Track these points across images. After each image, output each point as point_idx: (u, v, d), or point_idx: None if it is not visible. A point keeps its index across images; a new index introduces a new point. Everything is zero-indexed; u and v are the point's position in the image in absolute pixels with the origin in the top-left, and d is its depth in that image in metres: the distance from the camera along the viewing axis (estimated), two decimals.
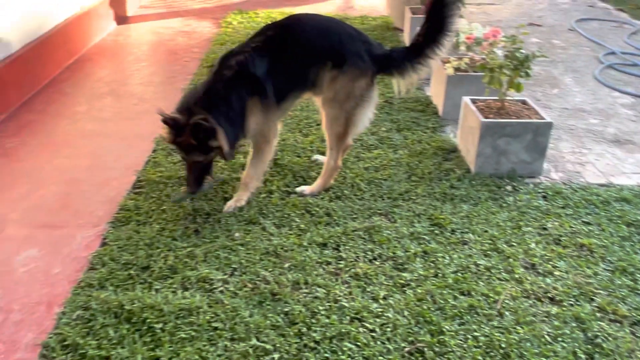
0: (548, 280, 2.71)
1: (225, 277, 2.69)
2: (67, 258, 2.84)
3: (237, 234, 3.00)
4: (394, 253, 2.87)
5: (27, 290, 2.63)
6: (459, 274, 2.73)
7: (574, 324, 2.45)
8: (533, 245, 2.96)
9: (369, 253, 2.88)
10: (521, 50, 3.52)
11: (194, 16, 7.50)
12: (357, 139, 3.96)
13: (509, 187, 3.49)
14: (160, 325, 2.37)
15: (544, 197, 3.42)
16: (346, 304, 2.52)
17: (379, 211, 3.23)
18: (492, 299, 2.57)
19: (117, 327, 2.37)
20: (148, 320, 2.39)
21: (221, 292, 2.59)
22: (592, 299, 2.60)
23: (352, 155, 3.83)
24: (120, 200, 3.28)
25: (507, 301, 2.57)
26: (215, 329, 2.38)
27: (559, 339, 2.37)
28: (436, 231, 3.05)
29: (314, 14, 3.66)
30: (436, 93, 4.69)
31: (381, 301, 2.55)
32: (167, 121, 2.93)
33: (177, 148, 3.06)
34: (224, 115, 2.97)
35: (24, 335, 2.37)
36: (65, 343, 2.31)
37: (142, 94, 4.96)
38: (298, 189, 3.41)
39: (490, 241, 2.98)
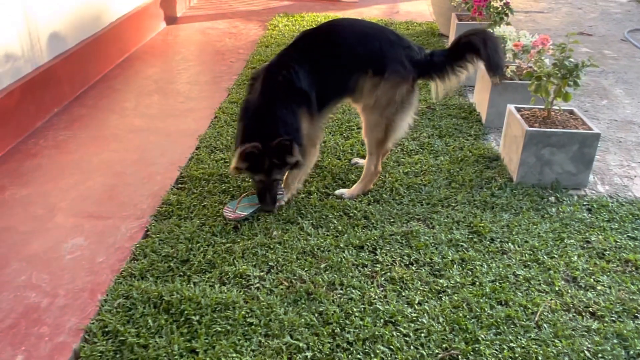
0: (590, 295, 2.64)
1: (262, 274, 2.73)
2: (111, 248, 2.93)
3: (275, 233, 3.04)
4: (430, 259, 2.85)
5: (72, 277, 2.72)
6: (497, 284, 2.69)
7: (615, 341, 2.38)
8: (575, 258, 2.88)
9: (406, 258, 2.87)
10: (570, 59, 3.44)
11: (241, 18, 7.63)
12: (398, 143, 3.96)
13: (552, 198, 3.42)
14: (197, 318, 2.43)
15: (589, 209, 3.33)
16: (381, 307, 2.52)
17: (417, 216, 3.21)
18: (530, 311, 2.53)
19: (155, 317, 2.44)
20: (186, 312, 2.45)
21: (257, 288, 2.63)
22: (636, 316, 2.52)
23: (392, 160, 3.83)
24: (163, 195, 3.37)
25: (545, 313, 2.52)
26: (250, 324, 2.42)
27: (599, 355, 2.31)
28: (475, 239, 3.02)
29: (353, 19, 3.66)
30: (480, 100, 4.63)
31: (416, 306, 2.54)
32: (251, 151, 2.96)
33: (254, 173, 3.10)
34: (290, 130, 3.03)
35: (68, 320, 2.45)
36: (107, 329, 2.38)
37: (188, 92, 5.08)
38: (337, 192, 3.43)
39: (530, 252, 2.93)
